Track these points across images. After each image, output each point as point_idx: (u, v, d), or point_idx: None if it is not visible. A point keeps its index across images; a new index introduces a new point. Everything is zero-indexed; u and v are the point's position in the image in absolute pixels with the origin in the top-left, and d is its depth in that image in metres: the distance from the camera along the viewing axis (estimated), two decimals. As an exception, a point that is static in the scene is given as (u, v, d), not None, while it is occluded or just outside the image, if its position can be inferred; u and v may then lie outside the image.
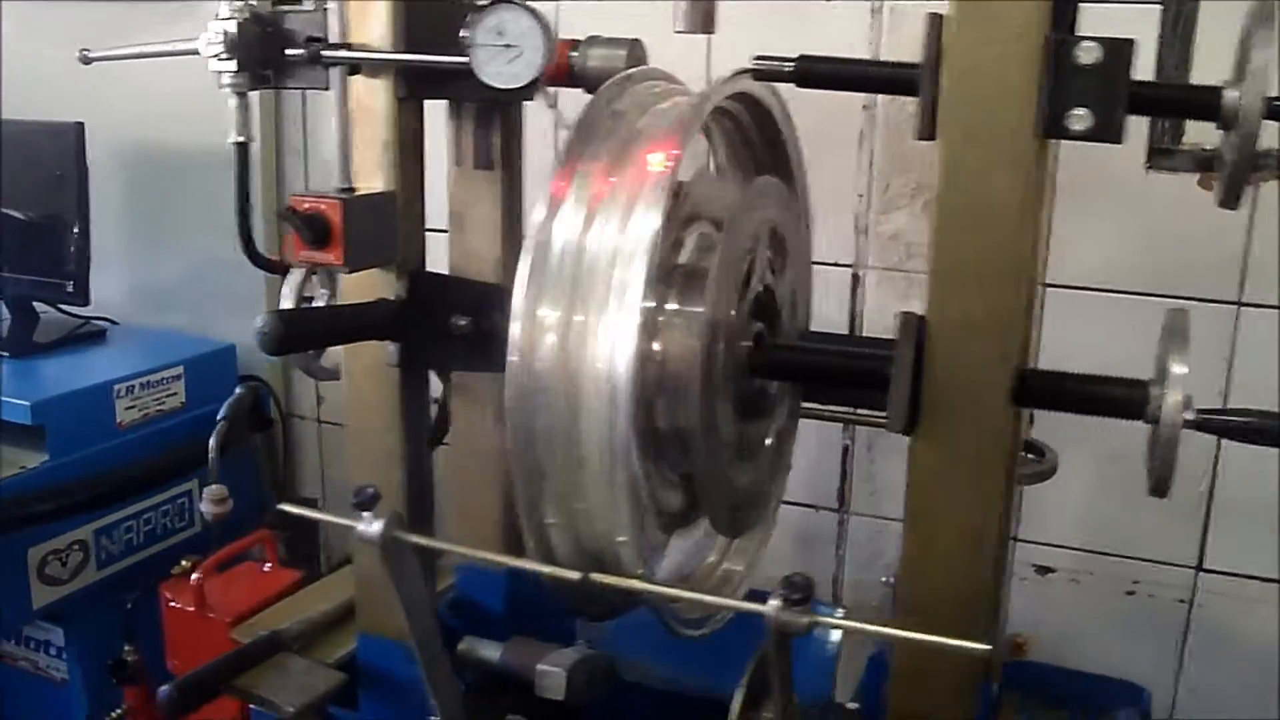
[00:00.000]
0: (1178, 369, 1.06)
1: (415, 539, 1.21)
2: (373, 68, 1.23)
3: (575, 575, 1.10)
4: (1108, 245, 1.78)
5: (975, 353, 1.06)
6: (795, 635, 1.02)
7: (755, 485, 1.33)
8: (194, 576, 1.65)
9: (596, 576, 1.10)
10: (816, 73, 1.21)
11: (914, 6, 1.84)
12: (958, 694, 1.14)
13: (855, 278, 1.95)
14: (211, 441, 1.91)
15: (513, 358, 1.06)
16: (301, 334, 1.17)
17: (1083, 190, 1.65)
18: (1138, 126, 1.63)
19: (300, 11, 1.30)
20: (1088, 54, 1.01)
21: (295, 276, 1.47)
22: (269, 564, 1.79)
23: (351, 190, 1.24)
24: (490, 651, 1.45)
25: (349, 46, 1.22)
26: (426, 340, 1.32)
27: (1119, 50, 1.00)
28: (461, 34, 1.13)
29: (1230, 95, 1.02)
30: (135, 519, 2.10)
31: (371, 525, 1.18)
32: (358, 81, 1.27)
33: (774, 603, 1.01)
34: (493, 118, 1.47)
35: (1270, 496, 1.69)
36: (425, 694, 1.37)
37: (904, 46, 1.79)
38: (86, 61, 1.45)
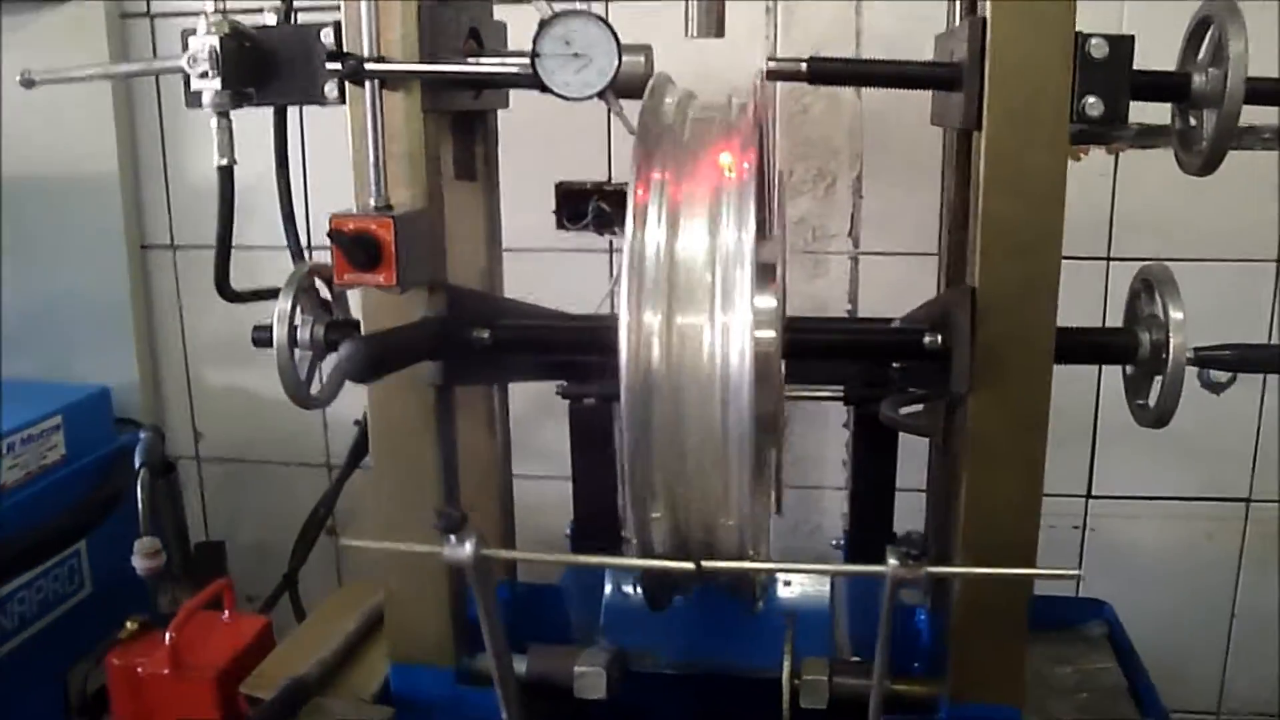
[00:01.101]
0: (1176, 314, 1.23)
1: (509, 555, 1.20)
2: (395, 80, 1.20)
3: (690, 565, 1.14)
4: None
5: (1023, 317, 1.18)
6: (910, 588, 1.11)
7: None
8: (168, 635, 1.53)
9: (709, 565, 1.14)
10: (828, 71, 1.29)
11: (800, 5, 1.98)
12: (1018, 627, 1.28)
13: (854, 261, 2.06)
14: (139, 492, 1.76)
15: (626, 363, 1.09)
16: (387, 358, 1.13)
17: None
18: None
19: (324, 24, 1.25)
20: (1098, 49, 1.15)
21: (284, 304, 1.40)
22: (226, 612, 1.68)
23: (390, 207, 1.21)
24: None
25: (381, 59, 1.18)
26: (462, 356, 1.31)
27: (1122, 45, 1.15)
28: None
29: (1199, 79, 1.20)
30: (27, 588, 1.90)
31: (462, 547, 1.16)
32: (362, 94, 1.23)
33: (893, 561, 1.10)
34: (475, 128, 1.47)
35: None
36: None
37: (801, 40, 1.94)
38: (29, 84, 1.32)
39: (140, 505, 1.76)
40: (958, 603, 1.28)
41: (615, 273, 2.09)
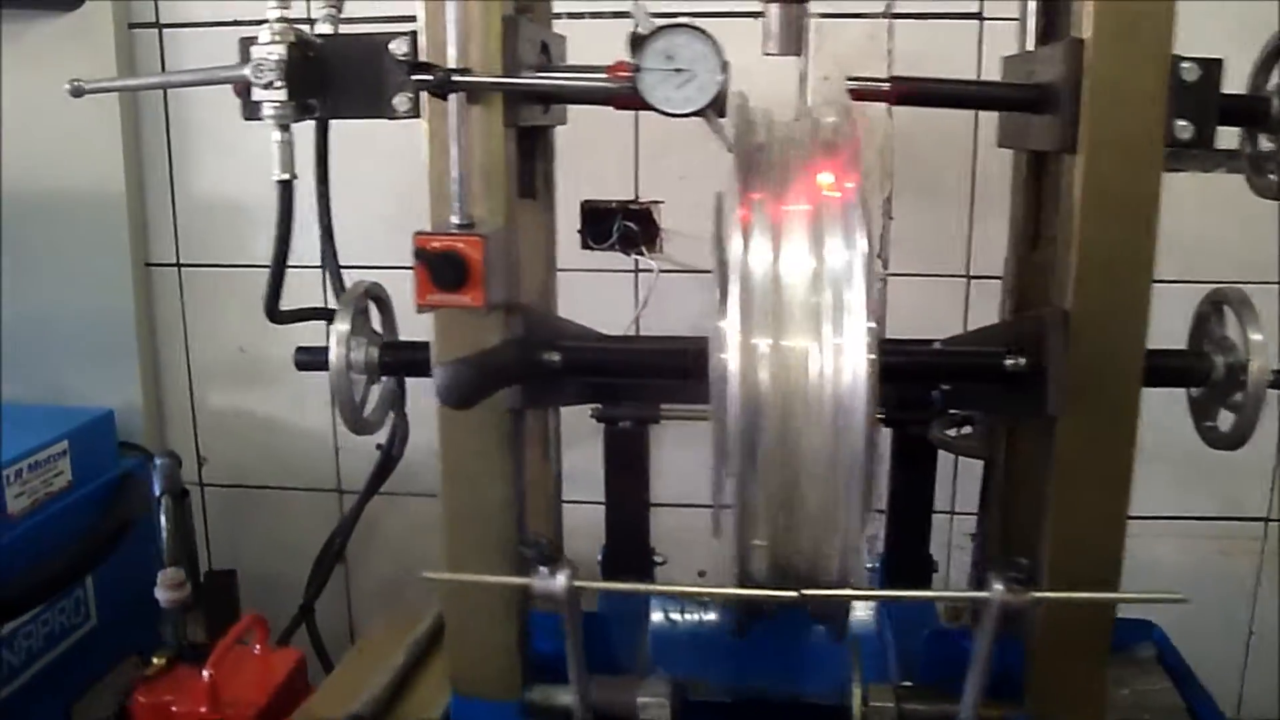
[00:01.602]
0: (1256, 336, 1.24)
1: (602, 585, 1.17)
2: (481, 93, 1.17)
3: (794, 594, 1.12)
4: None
5: (1115, 340, 1.18)
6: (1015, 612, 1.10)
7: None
8: (206, 673, 1.46)
9: (811, 593, 1.12)
10: (912, 91, 1.29)
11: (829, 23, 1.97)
12: (1101, 650, 1.27)
13: None
14: (162, 520, 1.69)
15: (735, 386, 1.06)
16: (485, 384, 1.09)
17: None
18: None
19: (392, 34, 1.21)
20: (1189, 72, 1.16)
21: (343, 326, 1.35)
22: (258, 646, 1.61)
23: (472, 225, 1.17)
24: (566, 696, 1.42)
25: (466, 71, 1.15)
26: (537, 380, 1.27)
27: (1212, 69, 1.16)
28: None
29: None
30: (34, 622, 1.81)
31: (556, 579, 1.13)
32: (443, 107, 1.19)
33: (998, 587, 1.09)
34: (536, 145, 1.44)
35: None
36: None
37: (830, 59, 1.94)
38: (78, 94, 1.26)
39: (165, 534, 1.69)
40: (1040, 626, 1.27)
41: (642, 293, 2.07)
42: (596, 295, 2.06)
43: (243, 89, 1.32)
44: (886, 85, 1.27)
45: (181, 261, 2.14)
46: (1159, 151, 1.14)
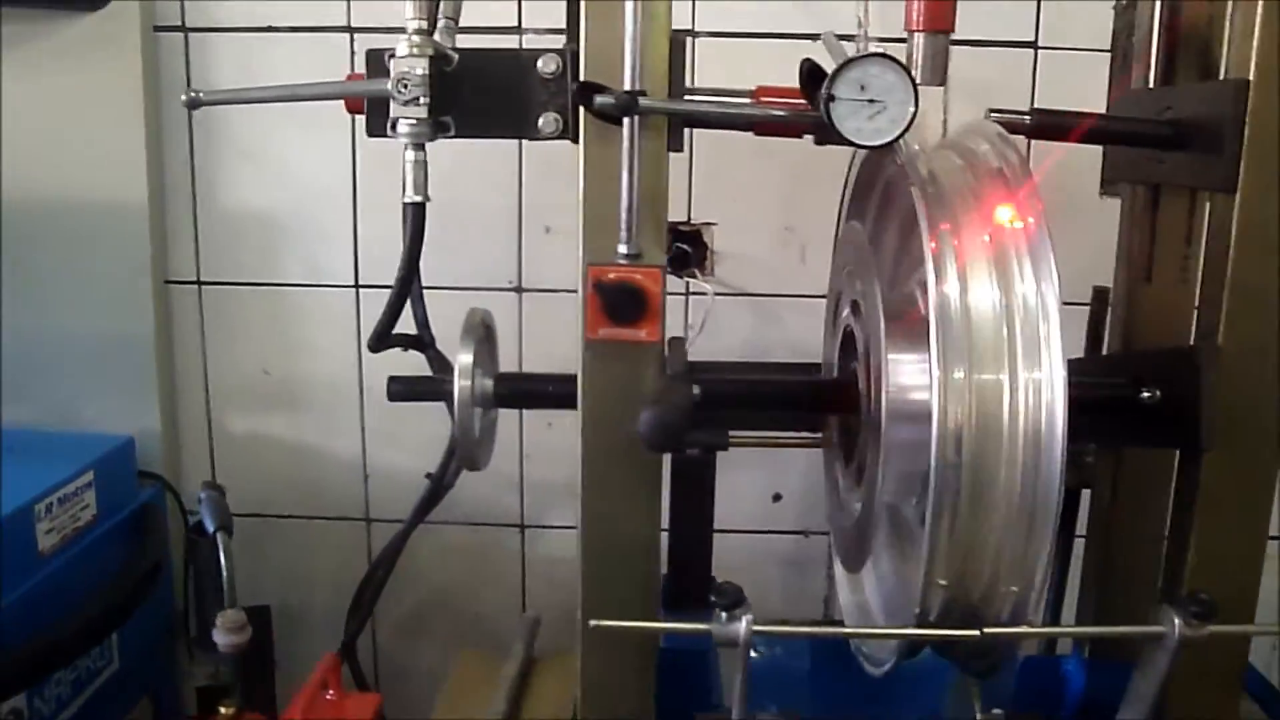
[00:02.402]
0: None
1: (786, 631, 1.13)
2: (659, 117, 1.13)
3: (975, 633, 1.10)
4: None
5: (1264, 376, 1.20)
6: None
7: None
8: (293, 724, 1.37)
9: (992, 631, 1.10)
10: (1051, 125, 1.29)
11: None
12: (1236, 680, 1.29)
13: None
14: (221, 556, 1.58)
15: (936, 424, 1.04)
16: (688, 425, 1.05)
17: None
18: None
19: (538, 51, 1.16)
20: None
21: (466, 357, 1.29)
22: (331, 691, 1.52)
23: (640, 256, 1.12)
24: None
25: (643, 94, 1.10)
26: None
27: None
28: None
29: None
30: (65, 669, 1.68)
31: (737, 624, 1.09)
32: (604, 131, 1.15)
33: (1177, 621, 1.10)
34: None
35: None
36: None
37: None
38: (194, 105, 1.18)
39: (225, 573, 1.58)
40: (1177, 659, 1.27)
41: (693, 316, 2.04)
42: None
43: (362, 104, 1.27)
44: (1028, 118, 1.28)
45: (202, 279, 2.03)
46: (1313, 191, 1.17)
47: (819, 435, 1.59)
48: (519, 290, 2.05)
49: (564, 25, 1.21)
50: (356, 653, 1.90)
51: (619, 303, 1.08)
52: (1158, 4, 1.35)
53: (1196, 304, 1.36)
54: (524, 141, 1.80)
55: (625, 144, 1.11)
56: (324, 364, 2.08)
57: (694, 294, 2.01)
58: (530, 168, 1.99)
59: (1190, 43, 1.35)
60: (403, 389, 1.42)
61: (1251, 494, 1.23)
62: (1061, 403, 1.05)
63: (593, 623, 1.12)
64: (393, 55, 1.17)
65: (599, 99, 1.08)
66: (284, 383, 2.08)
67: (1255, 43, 1.13)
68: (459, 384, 1.28)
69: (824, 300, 2.06)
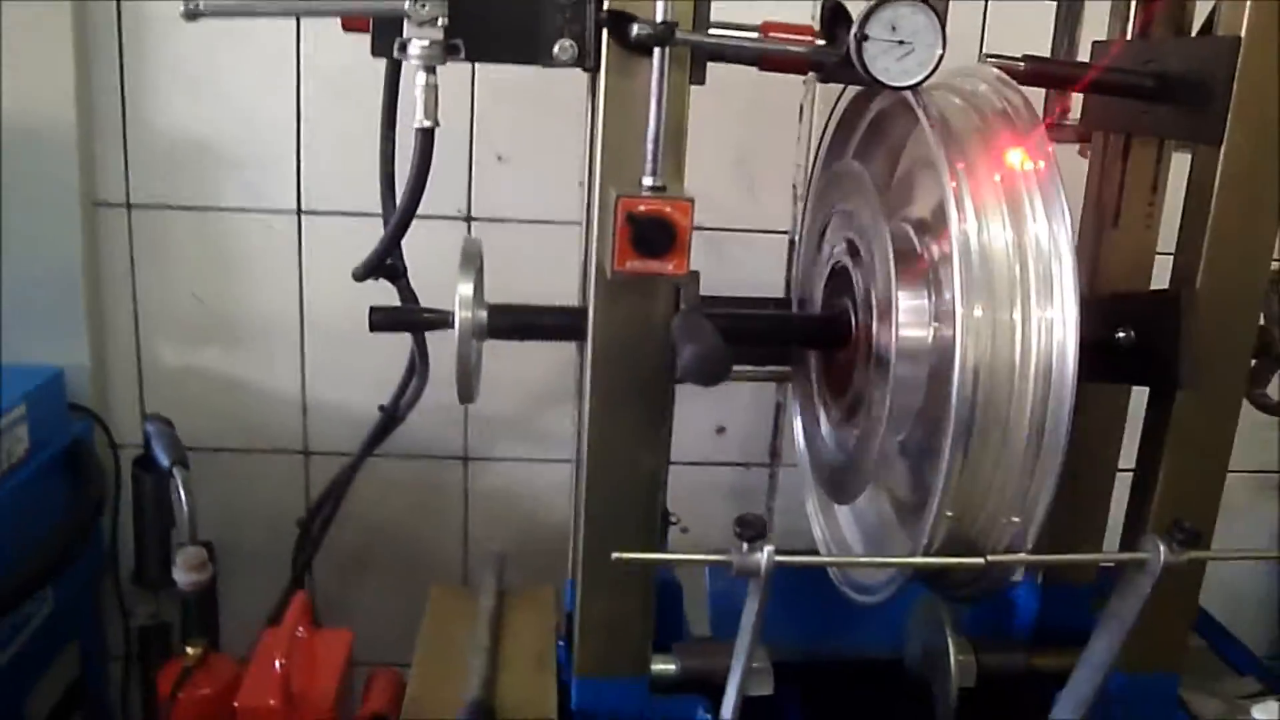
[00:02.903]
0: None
1: (807, 560, 1.15)
2: (685, 50, 1.12)
3: (979, 561, 1.15)
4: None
5: (1235, 318, 1.27)
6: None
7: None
8: (278, 663, 1.33)
9: (996, 558, 1.16)
10: (1043, 72, 1.33)
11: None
12: (1190, 603, 1.38)
13: (791, 243, 2.06)
14: (181, 491, 1.51)
15: (959, 360, 1.07)
16: (730, 359, 1.05)
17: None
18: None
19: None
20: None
21: (466, 288, 1.26)
22: (302, 628, 1.48)
23: (664, 188, 1.12)
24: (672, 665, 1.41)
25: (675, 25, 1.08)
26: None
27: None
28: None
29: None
30: (1, 610, 1.60)
31: (759, 554, 1.11)
32: (628, 61, 1.13)
33: (1163, 548, 1.17)
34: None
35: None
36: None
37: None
38: (192, 17, 1.10)
39: (186, 509, 1.51)
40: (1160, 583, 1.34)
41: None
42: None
43: (364, 23, 1.21)
44: (1022, 64, 1.31)
45: (132, 201, 1.92)
46: (1288, 151, 1.24)
47: (785, 369, 1.61)
48: (468, 220, 2.01)
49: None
50: (305, 589, 1.87)
51: (650, 235, 1.07)
52: (1137, -40, 1.40)
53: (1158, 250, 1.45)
54: (476, 66, 1.75)
55: (655, 75, 1.09)
56: (262, 293, 2.00)
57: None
58: (482, 93, 1.94)
59: (1168, -1, 1.41)
60: (385, 319, 1.39)
61: (1218, 430, 1.30)
62: (1074, 341, 1.10)
63: (615, 555, 1.13)
64: (400, -28, 1.13)
65: (636, 28, 1.06)
66: (219, 313, 1.99)
67: (1248, 2, 1.18)
68: (459, 315, 1.26)
69: (776, 235, 2.11)
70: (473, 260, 1.29)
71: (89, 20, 1.82)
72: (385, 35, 1.17)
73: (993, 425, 1.11)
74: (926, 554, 1.15)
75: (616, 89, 1.14)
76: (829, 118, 1.49)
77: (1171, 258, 1.30)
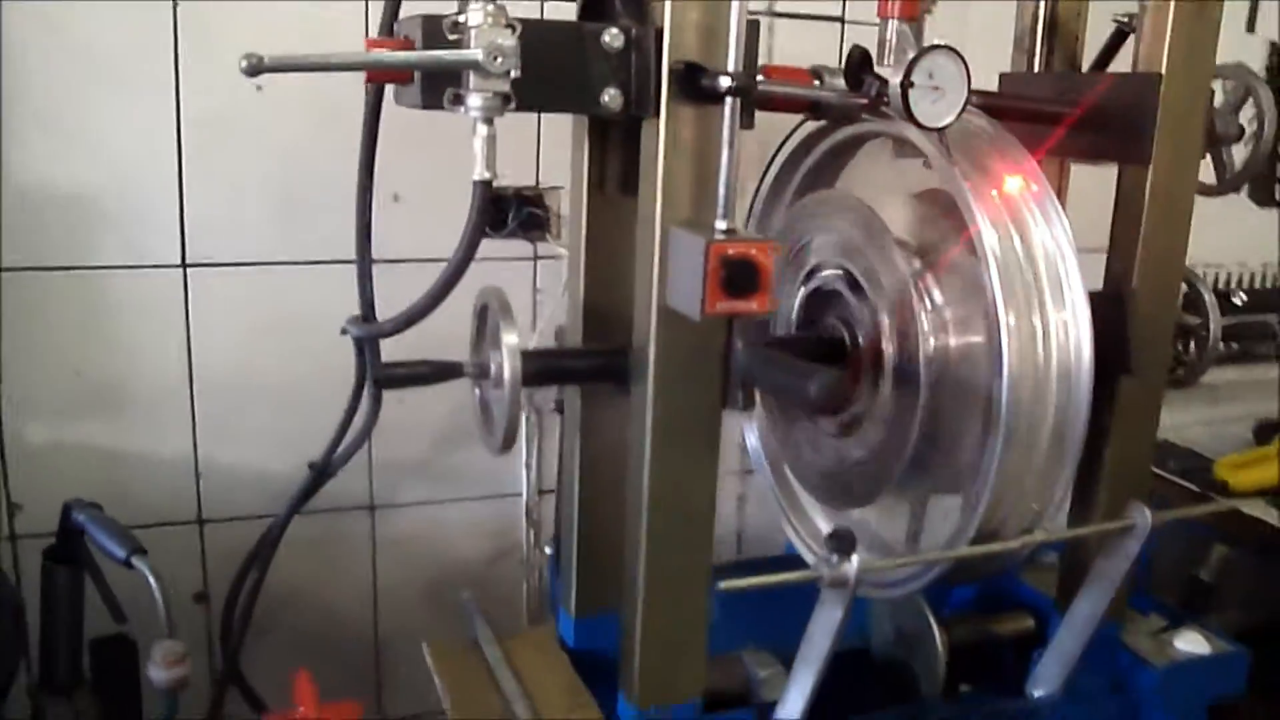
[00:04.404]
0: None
1: (889, 563, 1.23)
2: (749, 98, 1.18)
3: (1016, 544, 1.29)
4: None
5: (1160, 313, 1.48)
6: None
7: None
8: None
9: (1029, 539, 1.30)
10: (989, 106, 1.48)
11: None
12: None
13: None
14: (151, 580, 1.36)
15: (1009, 364, 1.20)
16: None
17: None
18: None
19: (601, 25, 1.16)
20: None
21: (511, 339, 1.25)
22: (301, 708, 1.38)
23: (734, 231, 1.17)
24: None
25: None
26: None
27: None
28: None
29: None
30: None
31: (849, 565, 1.19)
32: (685, 110, 1.17)
33: (1149, 513, 1.35)
34: (637, 141, 1.41)
35: None
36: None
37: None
38: (254, 72, 1.02)
39: (160, 599, 1.36)
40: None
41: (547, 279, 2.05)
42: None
43: (390, 75, 1.18)
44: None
45: (3, 265, 1.71)
46: (1198, 163, 1.46)
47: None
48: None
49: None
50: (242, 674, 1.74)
51: (738, 277, 1.11)
52: (1042, 2, 1.60)
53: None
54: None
55: (726, 123, 1.14)
56: (146, 356, 1.84)
57: (542, 258, 2.03)
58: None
59: (1063, 36, 1.62)
60: (398, 376, 1.34)
61: (1153, 409, 1.51)
62: (1088, 336, 1.26)
63: (722, 585, 1.16)
64: (455, 23, 1.11)
65: (720, 79, 1.11)
66: (98, 381, 1.81)
67: (1168, 41, 1.38)
68: (509, 365, 1.24)
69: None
70: (508, 310, 1.27)
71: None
72: (434, 87, 1.15)
73: (1024, 422, 1.25)
74: (973, 544, 1.28)
75: (674, 137, 1.17)
76: (774, 153, 1.59)
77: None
